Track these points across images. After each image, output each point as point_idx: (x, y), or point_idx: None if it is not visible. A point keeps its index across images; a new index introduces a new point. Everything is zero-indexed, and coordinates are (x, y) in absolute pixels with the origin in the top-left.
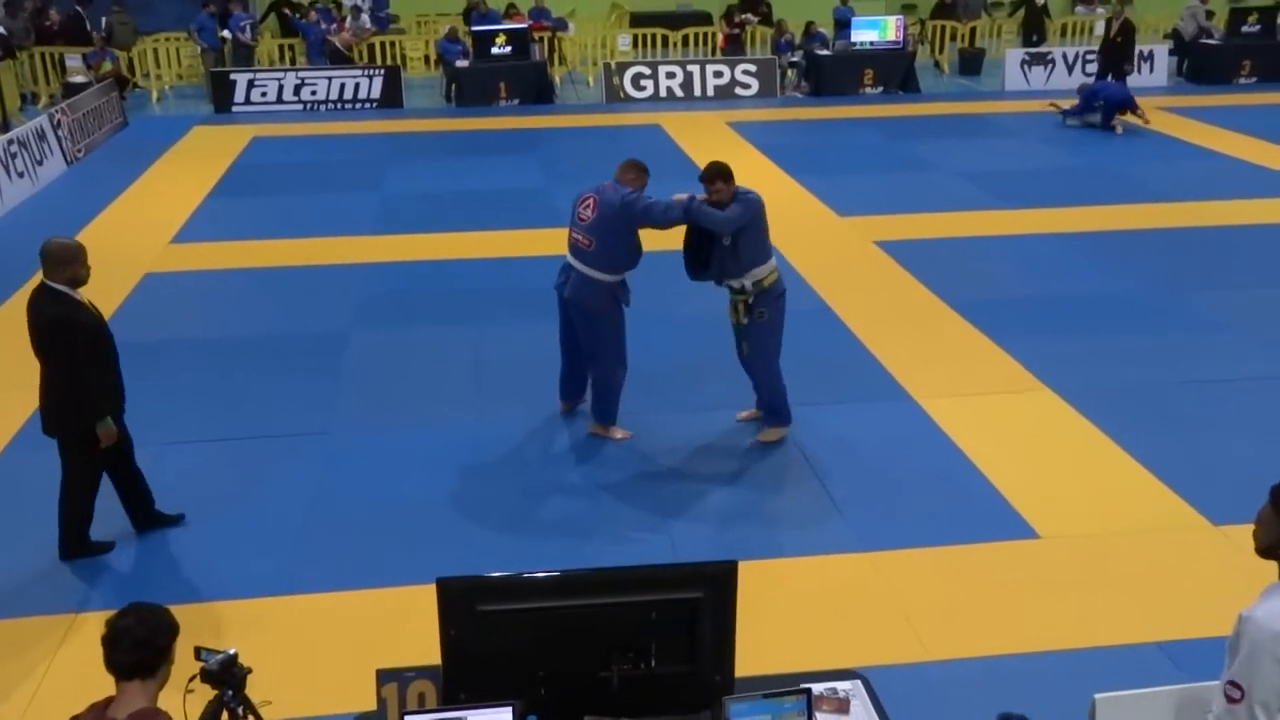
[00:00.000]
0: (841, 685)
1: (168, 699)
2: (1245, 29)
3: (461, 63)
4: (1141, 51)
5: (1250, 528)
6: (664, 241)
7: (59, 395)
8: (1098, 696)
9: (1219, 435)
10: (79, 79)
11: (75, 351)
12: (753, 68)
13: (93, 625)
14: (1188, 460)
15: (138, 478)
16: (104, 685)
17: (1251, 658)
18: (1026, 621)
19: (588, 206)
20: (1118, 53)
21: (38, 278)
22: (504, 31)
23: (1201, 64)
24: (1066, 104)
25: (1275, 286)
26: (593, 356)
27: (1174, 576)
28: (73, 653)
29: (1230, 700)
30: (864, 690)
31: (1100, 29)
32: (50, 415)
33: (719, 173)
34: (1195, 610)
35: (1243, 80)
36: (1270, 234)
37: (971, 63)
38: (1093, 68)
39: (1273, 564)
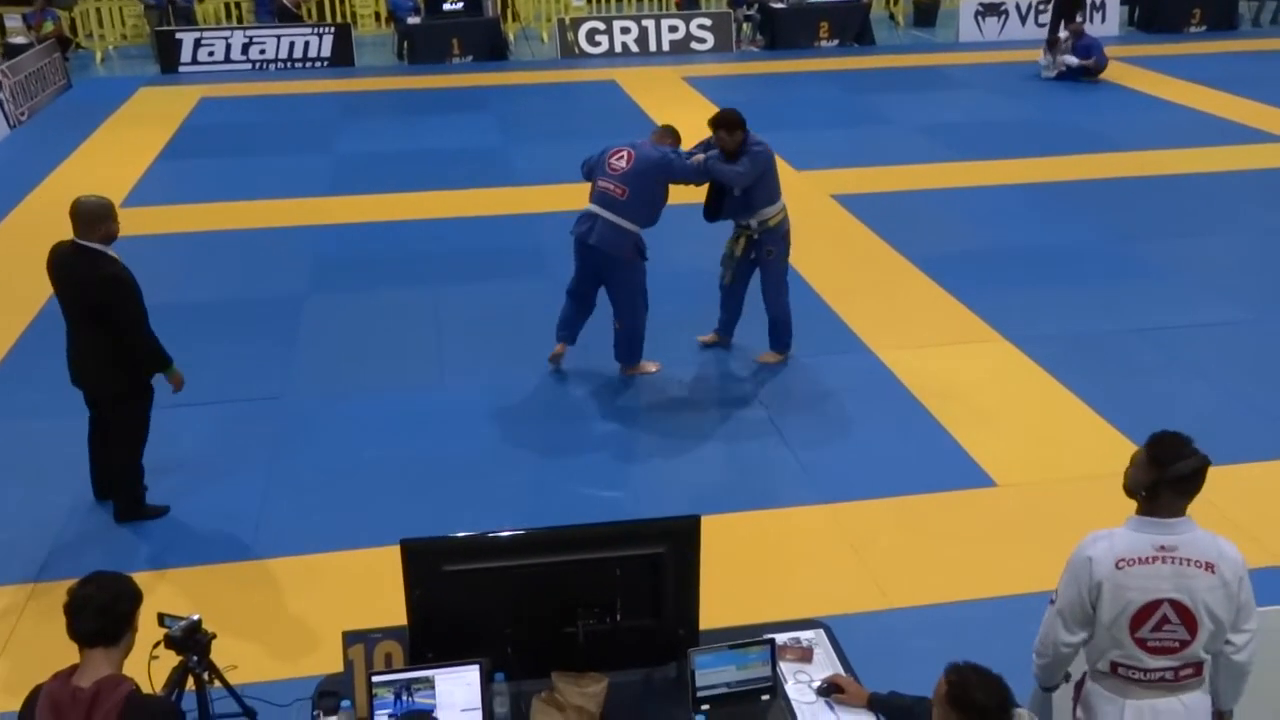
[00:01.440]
0: (804, 634)
1: (132, 666)
2: None
3: (413, 19)
4: (1094, 1)
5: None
6: None
7: (120, 353)
8: None
9: (1171, 382)
10: (19, 40)
11: (135, 306)
12: (708, 22)
13: (54, 594)
14: (1141, 407)
15: (128, 461)
16: (68, 654)
17: (1065, 571)
18: (984, 568)
19: (621, 158)
20: (1072, 3)
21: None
22: None
23: (1152, 13)
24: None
25: (1224, 234)
26: (621, 303)
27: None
28: (35, 621)
29: (1050, 602)
30: (826, 639)
31: None
32: (107, 376)
33: (722, 121)
34: None
35: (1193, 29)
36: (1219, 181)
37: (926, 14)
38: (1045, 19)
39: None
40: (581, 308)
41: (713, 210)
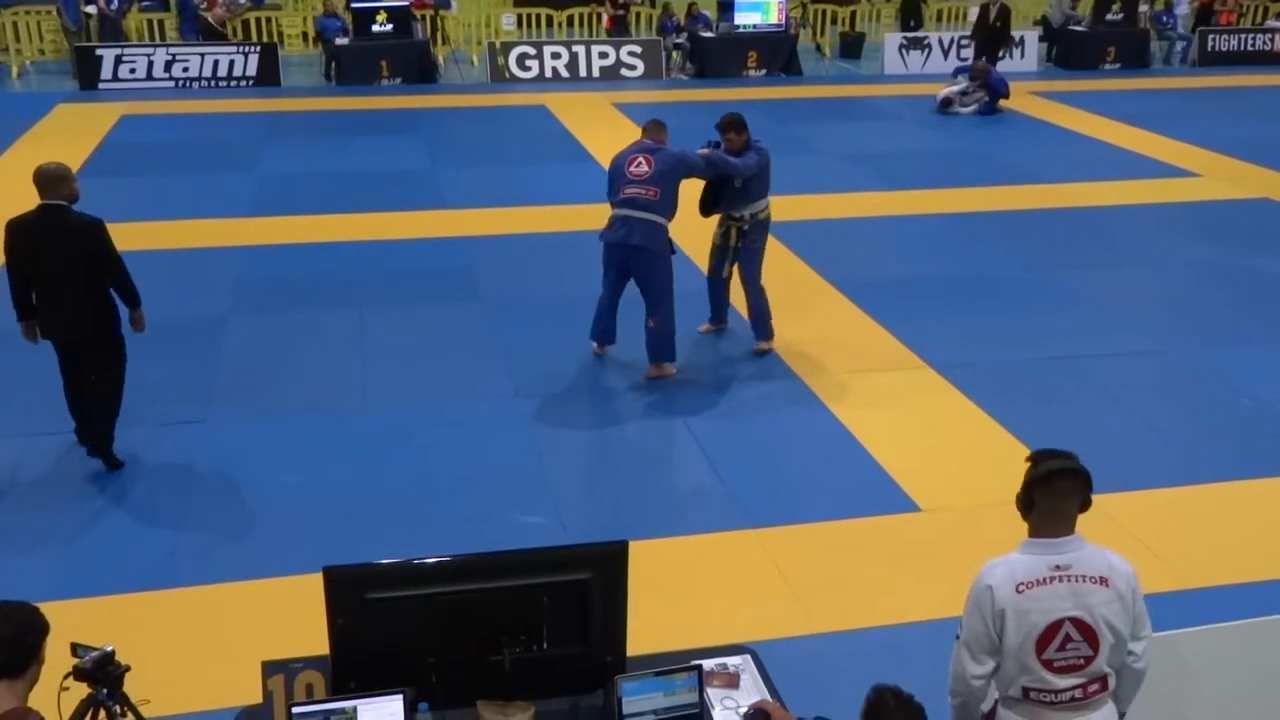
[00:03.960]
0: (731, 660)
1: (42, 697)
2: (1109, 17)
3: (341, 40)
4: (1013, 37)
5: (1114, 496)
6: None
7: (105, 299)
8: None
9: (1086, 409)
10: None
11: (113, 251)
12: (638, 49)
13: None
14: (1058, 433)
15: (112, 404)
16: None
17: (967, 603)
18: (909, 592)
19: (639, 164)
20: (996, 38)
21: None
22: (385, 9)
23: (1069, 50)
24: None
25: (1137, 265)
26: (657, 299)
27: None
28: None
29: (956, 638)
30: (753, 664)
31: (974, 14)
32: (101, 321)
33: (731, 124)
34: None
35: (1107, 66)
36: (1132, 214)
37: (852, 46)
38: (968, 53)
39: None
40: (613, 307)
41: (710, 204)
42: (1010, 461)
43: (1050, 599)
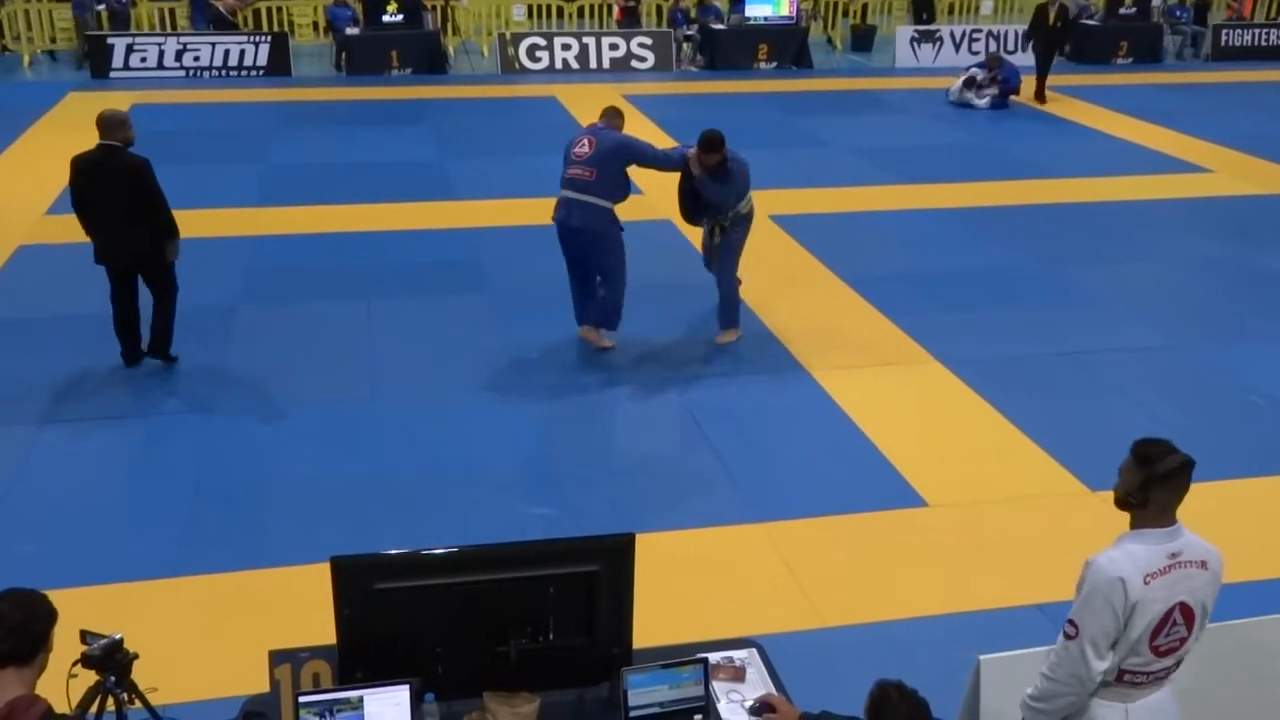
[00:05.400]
0: (737, 654)
1: (51, 684)
2: (1123, 11)
3: (352, 30)
4: (1027, 32)
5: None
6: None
7: (159, 227)
8: (982, 658)
9: (1095, 404)
10: None
11: (156, 188)
12: (649, 41)
13: None
14: (1066, 429)
15: (170, 311)
16: None
17: (1088, 599)
18: (915, 587)
19: (583, 145)
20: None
21: None
22: None
23: (1082, 45)
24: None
25: (1147, 260)
26: (608, 274)
27: (1053, 541)
28: None
29: (1067, 637)
30: (759, 658)
31: (987, 8)
32: (155, 246)
33: (708, 144)
34: (1074, 573)
35: (1120, 60)
36: (1143, 209)
37: (863, 39)
38: (979, 46)
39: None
40: (584, 288)
41: (692, 214)
42: (1018, 457)
43: (1169, 587)
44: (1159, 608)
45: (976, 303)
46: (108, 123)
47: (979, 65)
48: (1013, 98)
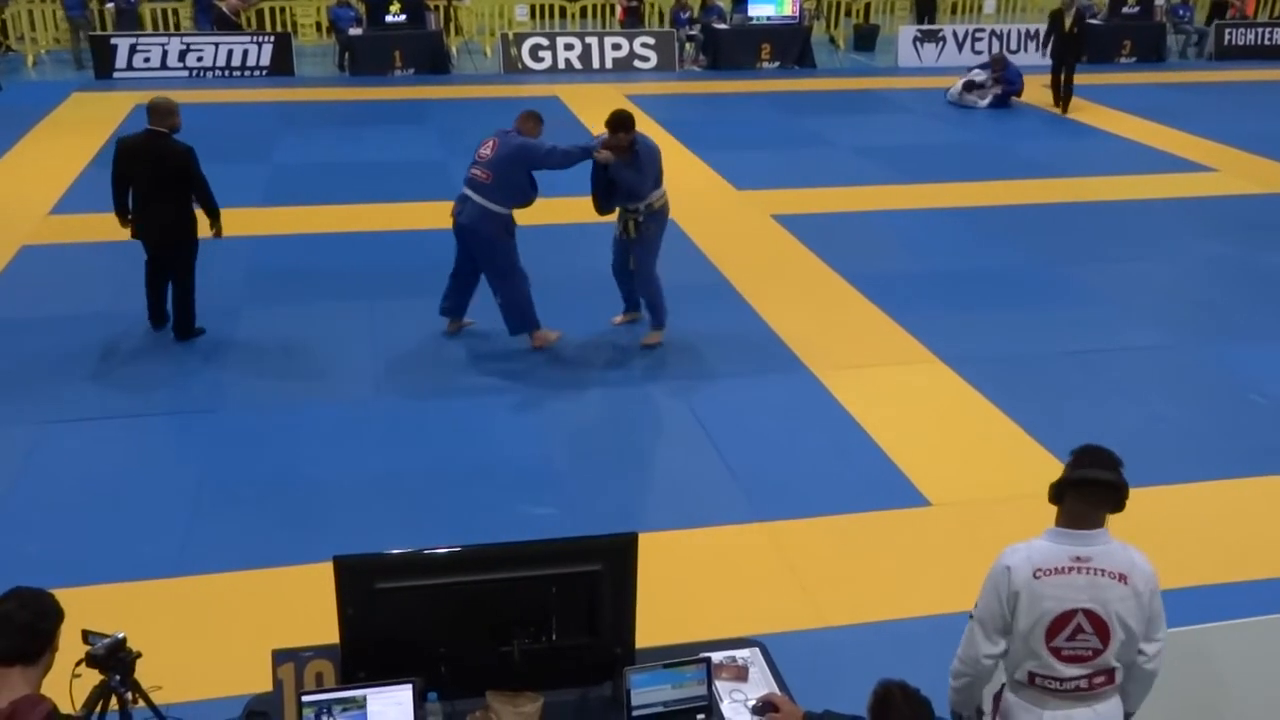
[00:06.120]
0: (740, 653)
1: (54, 684)
2: (1125, 10)
3: (355, 30)
4: (1029, 30)
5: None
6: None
7: (187, 208)
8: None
9: (1098, 404)
10: None
11: (200, 174)
12: (651, 41)
13: None
14: (1069, 428)
15: (191, 292)
16: None
17: (984, 582)
18: (919, 586)
19: (488, 146)
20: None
21: None
22: None
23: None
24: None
25: (1150, 260)
26: (494, 278)
27: None
28: None
29: (970, 616)
30: (761, 657)
31: (990, 6)
32: (187, 232)
33: (616, 122)
34: None
35: (1123, 60)
36: (1146, 209)
37: (866, 39)
38: (982, 45)
39: None
40: (459, 284)
41: (602, 202)
42: (1021, 456)
43: (1066, 588)
44: (1050, 605)
45: (979, 302)
46: (155, 109)
47: (981, 66)
48: (1014, 99)
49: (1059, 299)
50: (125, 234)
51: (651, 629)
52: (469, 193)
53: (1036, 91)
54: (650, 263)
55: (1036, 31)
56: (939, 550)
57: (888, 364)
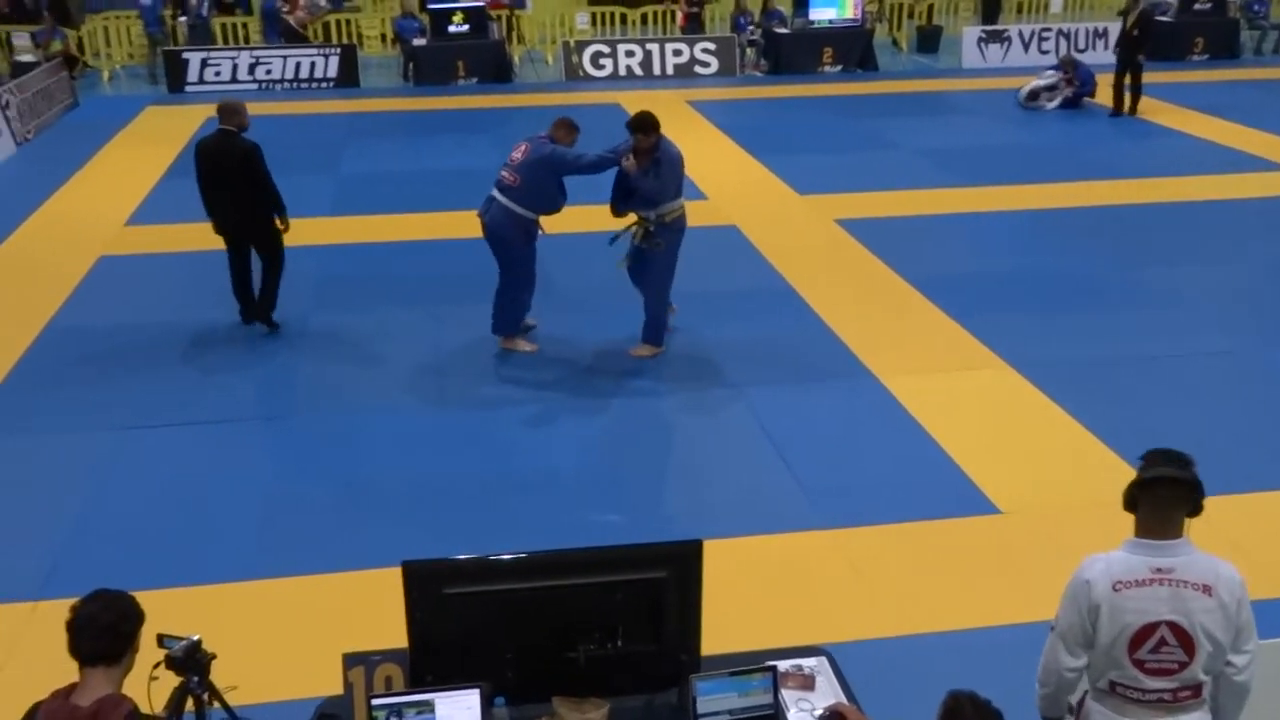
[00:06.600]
0: (806, 662)
1: (131, 687)
2: (1197, 7)
3: (419, 41)
4: (1097, 29)
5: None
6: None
7: (263, 204)
8: None
9: (1171, 410)
10: (27, 58)
11: (266, 171)
12: (712, 46)
13: (56, 612)
14: (1143, 434)
15: (276, 283)
16: (67, 671)
17: (1063, 594)
18: (988, 596)
19: (520, 150)
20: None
21: None
22: (461, 9)
23: (1157, 41)
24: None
25: (1223, 262)
26: (504, 273)
27: None
28: (35, 639)
29: (1051, 629)
30: (829, 666)
31: (1057, 6)
32: (262, 220)
33: (638, 125)
34: None
35: (1195, 57)
36: (1221, 210)
37: (929, 40)
38: (1049, 45)
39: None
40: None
41: (618, 203)
42: (1093, 462)
43: (1148, 600)
44: (1132, 619)
45: (1047, 306)
46: (224, 109)
47: (1053, 68)
48: (1086, 99)
49: (1129, 302)
50: (198, 243)
51: (717, 636)
52: (495, 194)
53: (1106, 91)
54: (662, 280)
55: (1105, 30)
56: (1010, 558)
57: (954, 369)
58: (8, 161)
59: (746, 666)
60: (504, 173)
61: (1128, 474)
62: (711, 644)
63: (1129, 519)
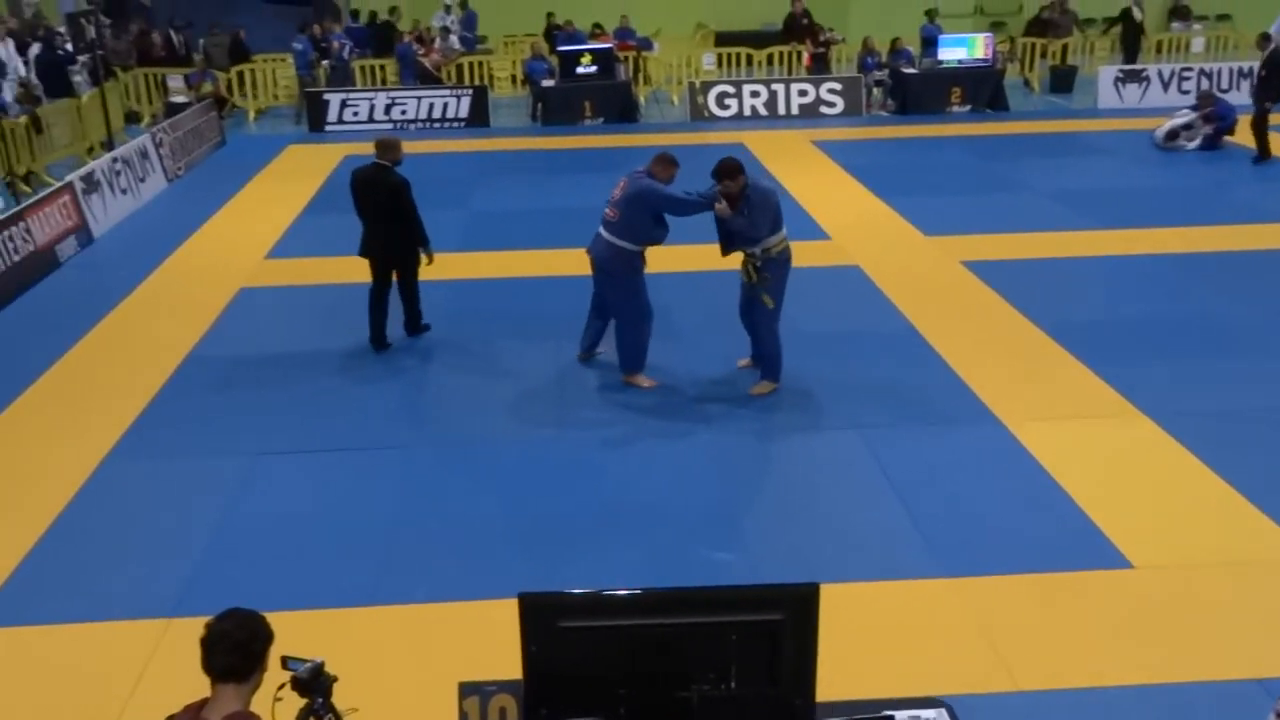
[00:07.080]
0: (925, 713)
1: (256, 706)
2: None
3: (548, 82)
4: (1241, 69)
5: None
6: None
7: (407, 235)
8: None
9: None
10: (180, 99)
11: (412, 205)
12: (838, 86)
13: (188, 629)
14: None
15: (415, 299)
16: (198, 687)
17: None
18: (1118, 653)
19: (619, 186)
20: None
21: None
22: (589, 51)
23: None
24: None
25: None
26: (616, 313)
27: (1274, 610)
28: (169, 654)
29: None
30: (948, 718)
31: (1198, 45)
32: (405, 249)
33: (722, 172)
34: None
35: None
36: None
37: (1063, 80)
38: (1189, 85)
39: None
40: (598, 317)
41: (724, 244)
42: (1233, 519)
43: None
44: None
45: (1186, 352)
46: (381, 144)
47: (1190, 107)
48: (1227, 138)
49: (1273, 350)
50: (333, 276)
51: (833, 682)
52: (601, 230)
53: (1249, 133)
54: (771, 319)
55: (1250, 69)
56: (1142, 615)
57: (1085, 416)
58: (159, 196)
59: (864, 715)
60: (607, 209)
61: (1269, 530)
62: (827, 690)
63: (1270, 578)
